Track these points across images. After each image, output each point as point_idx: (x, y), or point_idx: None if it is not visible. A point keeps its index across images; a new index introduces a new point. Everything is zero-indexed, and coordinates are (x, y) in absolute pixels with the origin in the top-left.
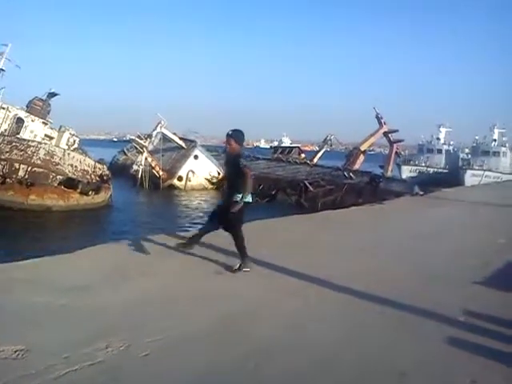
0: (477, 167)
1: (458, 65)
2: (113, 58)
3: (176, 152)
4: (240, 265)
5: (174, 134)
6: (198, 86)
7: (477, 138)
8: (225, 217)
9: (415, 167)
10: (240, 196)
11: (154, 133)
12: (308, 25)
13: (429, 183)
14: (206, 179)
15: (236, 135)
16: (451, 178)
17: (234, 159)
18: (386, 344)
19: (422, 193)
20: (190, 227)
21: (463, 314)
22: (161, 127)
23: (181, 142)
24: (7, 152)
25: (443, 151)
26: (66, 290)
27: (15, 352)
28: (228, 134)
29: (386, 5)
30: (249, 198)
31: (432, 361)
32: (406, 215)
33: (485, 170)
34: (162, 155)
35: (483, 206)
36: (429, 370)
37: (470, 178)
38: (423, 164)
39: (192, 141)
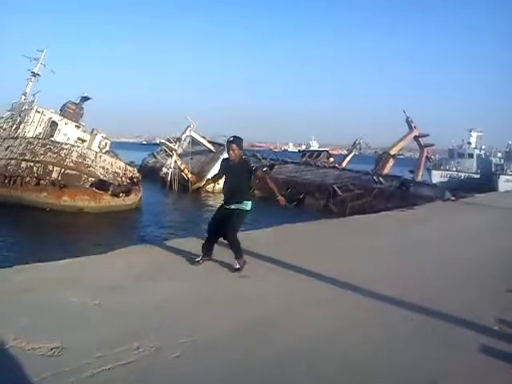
0: (510, 172)
1: (490, 66)
2: (143, 62)
3: (205, 155)
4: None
5: (203, 137)
6: (227, 89)
7: (510, 142)
8: (227, 226)
9: (446, 172)
10: (250, 204)
11: (184, 136)
12: (336, 29)
13: (460, 188)
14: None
15: (238, 141)
16: (484, 183)
17: (242, 166)
18: (417, 351)
19: (453, 198)
20: None
21: (497, 323)
22: (190, 130)
23: (209, 146)
24: (41, 154)
25: (474, 156)
26: (99, 290)
27: (51, 349)
28: (230, 141)
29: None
30: (250, 206)
31: (465, 370)
32: (437, 221)
33: None
34: (191, 158)
35: None
36: (462, 380)
37: (504, 183)
38: (454, 169)
39: (220, 144)
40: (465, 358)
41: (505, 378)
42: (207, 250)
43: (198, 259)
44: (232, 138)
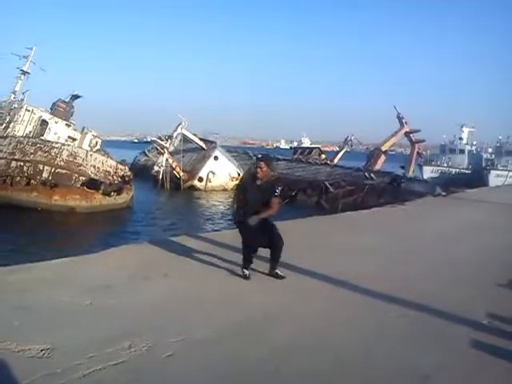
0: (501, 167)
1: (482, 64)
2: (133, 60)
3: (196, 153)
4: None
5: (195, 134)
6: (218, 86)
7: (500, 137)
8: (273, 237)
9: (437, 168)
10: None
11: (175, 134)
12: (328, 27)
13: (451, 184)
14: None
15: (268, 160)
16: (474, 178)
17: (270, 187)
18: (408, 346)
19: (444, 193)
20: (210, 228)
21: (487, 317)
22: (181, 128)
23: (201, 143)
24: (32, 153)
25: (466, 151)
26: (91, 289)
27: (41, 351)
28: (258, 158)
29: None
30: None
31: (456, 364)
32: (427, 216)
33: (509, 171)
34: (183, 156)
35: (509, 207)
36: (452, 374)
37: (495, 178)
38: (445, 164)
39: (212, 142)
40: (455, 353)
41: (494, 371)
42: (250, 261)
43: (246, 273)
44: (261, 155)
